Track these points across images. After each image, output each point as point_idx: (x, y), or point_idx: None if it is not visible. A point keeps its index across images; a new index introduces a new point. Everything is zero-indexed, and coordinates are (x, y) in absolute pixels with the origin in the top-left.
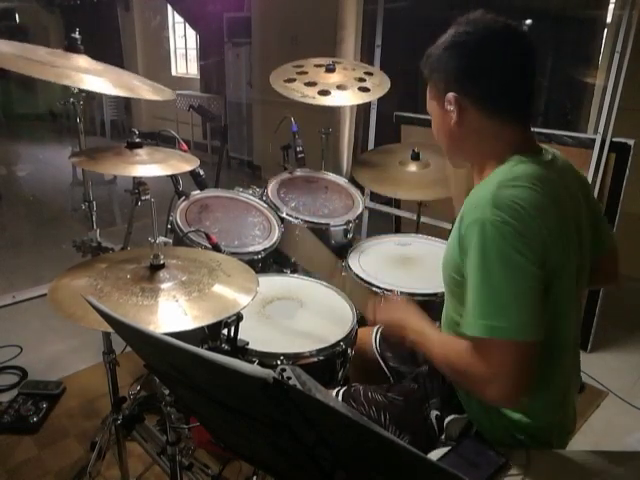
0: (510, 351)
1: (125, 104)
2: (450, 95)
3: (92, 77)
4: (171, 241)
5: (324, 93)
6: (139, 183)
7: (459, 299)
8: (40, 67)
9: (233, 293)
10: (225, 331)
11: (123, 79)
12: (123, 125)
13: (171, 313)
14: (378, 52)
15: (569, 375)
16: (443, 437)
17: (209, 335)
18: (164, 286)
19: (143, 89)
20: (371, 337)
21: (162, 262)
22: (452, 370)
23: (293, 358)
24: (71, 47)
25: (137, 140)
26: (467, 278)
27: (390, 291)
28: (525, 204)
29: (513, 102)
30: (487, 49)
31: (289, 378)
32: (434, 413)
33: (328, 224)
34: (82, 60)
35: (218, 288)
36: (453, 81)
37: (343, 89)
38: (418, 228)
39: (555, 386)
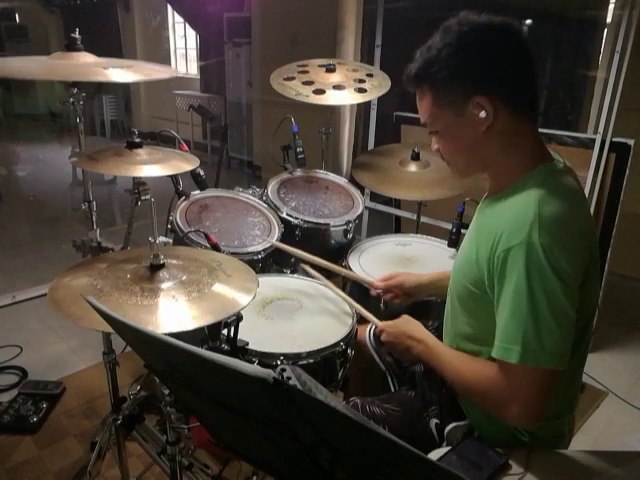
0: (540, 378)
1: (125, 104)
2: (480, 98)
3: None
4: (171, 241)
5: (319, 92)
6: (139, 183)
7: (472, 313)
8: (49, 69)
9: (233, 293)
10: (225, 331)
11: (133, 67)
12: (123, 125)
13: (171, 313)
14: (378, 52)
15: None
16: (444, 445)
17: (209, 335)
18: (164, 286)
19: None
20: (365, 333)
21: (162, 262)
22: (469, 390)
23: (293, 358)
24: (71, 47)
25: (137, 140)
26: (501, 300)
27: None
28: (570, 222)
29: (531, 99)
30: (504, 45)
31: (289, 378)
32: (434, 422)
33: (328, 224)
34: (86, 57)
35: (218, 288)
36: (478, 83)
37: (340, 89)
38: (418, 228)
39: (570, 394)
